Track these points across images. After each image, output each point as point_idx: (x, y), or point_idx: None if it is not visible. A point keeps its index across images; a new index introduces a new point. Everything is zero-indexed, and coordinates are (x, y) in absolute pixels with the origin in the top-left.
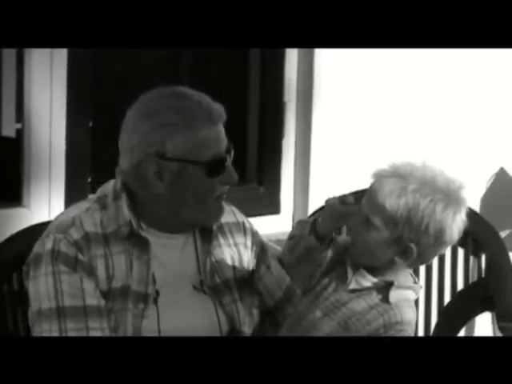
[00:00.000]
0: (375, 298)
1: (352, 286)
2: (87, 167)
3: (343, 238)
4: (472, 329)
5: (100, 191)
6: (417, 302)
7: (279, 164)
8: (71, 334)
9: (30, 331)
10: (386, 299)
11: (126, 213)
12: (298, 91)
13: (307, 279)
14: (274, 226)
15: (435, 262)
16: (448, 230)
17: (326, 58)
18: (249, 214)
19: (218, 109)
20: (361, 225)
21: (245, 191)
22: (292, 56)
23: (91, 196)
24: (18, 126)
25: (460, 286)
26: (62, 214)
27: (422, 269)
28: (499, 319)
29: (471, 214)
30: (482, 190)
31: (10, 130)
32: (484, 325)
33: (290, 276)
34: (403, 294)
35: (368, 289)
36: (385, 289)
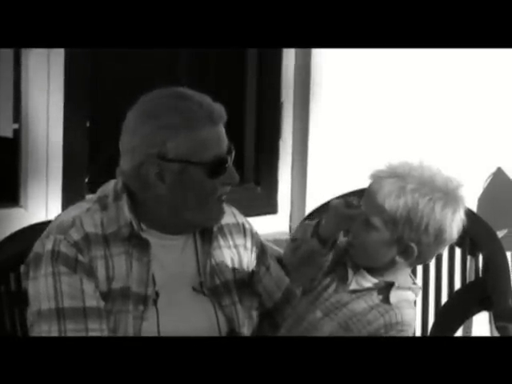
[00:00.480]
0: (376, 298)
1: (352, 286)
2: (84, 167)
3: (343, 239)
4: (469, 328)
5: (100, 191)
6: (414, 301)
7: (276, 164)
8: (70, 335)
9: (28, 331)
10: (386, 300)
11: (126, 214)
12: (295, 91)
13: (308, 281)
14: (272, 226)
15: (432, 261)
16: (448, 228)
17: (323, 58)
18: (246, 214)
19: (219, 109)
20: (360, 226)
21: (242, 191)
22: (289, 56)
23: (91, 196)
24: (16, 126)
25: (457, 285)
26: (62, 214)
27: (420, 268)
28: (496, 319)
29: (469, 213)
30: (479, 190)
31: (7, 130)
32: (481, 324)
33: (290, 277)
34: (403, 295)
35: (368, 289)
36: (385, 289)
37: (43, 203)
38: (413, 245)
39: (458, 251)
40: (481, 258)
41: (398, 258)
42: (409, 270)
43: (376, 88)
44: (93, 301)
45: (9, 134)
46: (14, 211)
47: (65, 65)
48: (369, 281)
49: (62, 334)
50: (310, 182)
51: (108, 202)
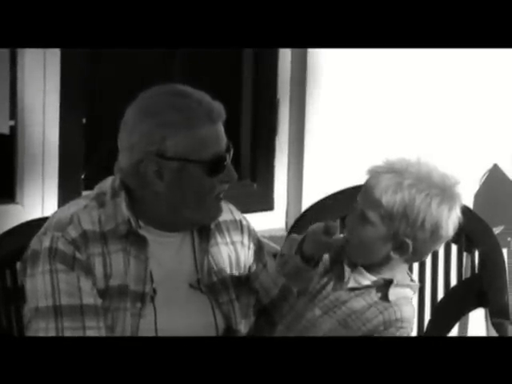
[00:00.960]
0: (374, 296)
1: (351, 284)
2: (80, 164)
3: (339, 236)
4: (465, 325)
5: (98, 188)
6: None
7: (273, 160)
8: (67, 332)
9: (25, 328)
10: (385, 297)
11: (124, 211)
12: (291, 88)
13: (302, 289)
14: (268, 223)
15: (428, 258)
16: (444, 224)
17: (320, 55)
18: (242, 211)
19: (218, 107)
20: (357, 221)
21: (238, 188)
22: (286, 53)
23: (89, 193)
24: (12, 122)
25: (453, 282)
26: (59, 210)
27: (416, 265)
28: (492, 315)
29: (465, 210)
30: (475, 187)
31: (3, 127)
32: (477, 321)
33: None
34: (402, 292)
35: (367, 287)
36: (384, 287)
37: (39, 199)
38: (408, 241)
39: (454, 248)
40: (477, 254)
41: (392, 254)
42: (406, 267)
43: (372, 85)
44: (90, 298)
45: (5, 130)
46: (10, 207)
47: (61, 62)
48: (367, 279)
49: (59, 332)
50: (306, 179)
51: (106, 199)
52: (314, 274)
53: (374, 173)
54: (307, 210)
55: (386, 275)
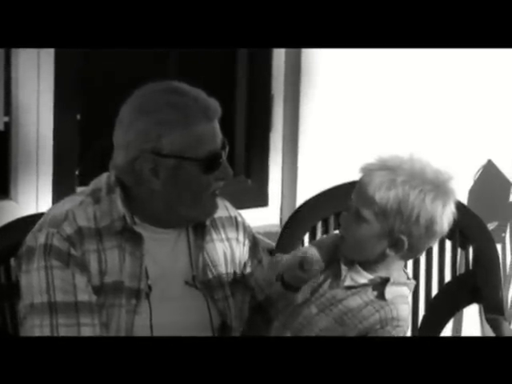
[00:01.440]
0: (371, 294)
1: (347, 282)
2: (75, 160)
3: (334, 233)
4: (459, 321)
5: (93, 184)
6: None
7: (267, 157)
8: (62, 329)
9: (20, 324)
10: (381, 296)
11: (119, 207)
12: (285, 83)
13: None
14: (262, 219)
15: (423, 254)
16: (438, 220)
17: (314, 54)
18: (237, 207)
19: (214, 105)
20: (351, 219)
21: (233, 184)
22: (280, 52)
23: (84, 189)
24: (6, 119)
25: (447, 278)
26: (54, 207)
27: (410, 261)
28: (487, 311)
29: (459, 206)
30: (469, 183)
31: None
32: (471, 317)
33: None
34: (398, 291)
35: (364, 286)
36: (380, 285)
37: (33, 196)
38: (403, 237)
39: (448, 244)
40: (471, 250)
41: (388, 251)
42: (402, 265)
43: (366, 83)
44: (85, 295)
45: None
46: (5, 204)
47: (55, 58)
48: (364, 277)
49: (54, 329)
50: (300, 175)
51: (101, 195)
52: (295, 298)
53: (367, 170)
54: (301, 206)
55: (383, 273)
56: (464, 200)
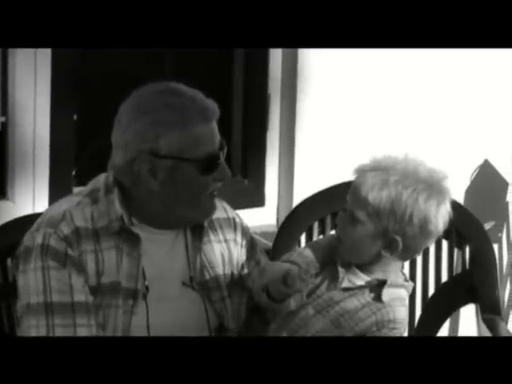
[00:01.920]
0: (368, 296)
1: (344, 284)
2: (71, 160)
3: (330, 235)
4: (456, 321)
5: (91, 184)
6: None
7: (264, 157)
8: (58, 329)
9: (17, 323)
10: (378, 298)
11: (117, 208)
12: (282, 83)
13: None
14: (259, 219)
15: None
16: (433, 219)
17: (310, 54)
18: (233, 207)
19: (212, 106)
20: (346, 221)
21: (229, 184)
22: (276, 52)
23: (82, 189)
24: (3, 119)
25: (444, 278)
26: (52, 207)
27: (407, 261)
28: (483, 311)
29: (455, 206)
30: (466, 183)
31: None
32: (468, 317)
33: None
34: (396, 293)
35: (361, 288)
36: (377, 287)
37: (30, 196)
38: (397, 238)
39: (444, 243)
40: (468, 250)
41: (383, 252)
42: (399, 266)
43: (362, 83)
44: (81, 296)
45: None
46: (2, 204)
47: (52, 58)
48: (361, 279)
49: (50, 329)
50: (296, 175)
51: (99, 195)
52: (282, 309)
53: (361, 171)
54: (298, 206)
55: (380, 275)
56: (460, 200)
